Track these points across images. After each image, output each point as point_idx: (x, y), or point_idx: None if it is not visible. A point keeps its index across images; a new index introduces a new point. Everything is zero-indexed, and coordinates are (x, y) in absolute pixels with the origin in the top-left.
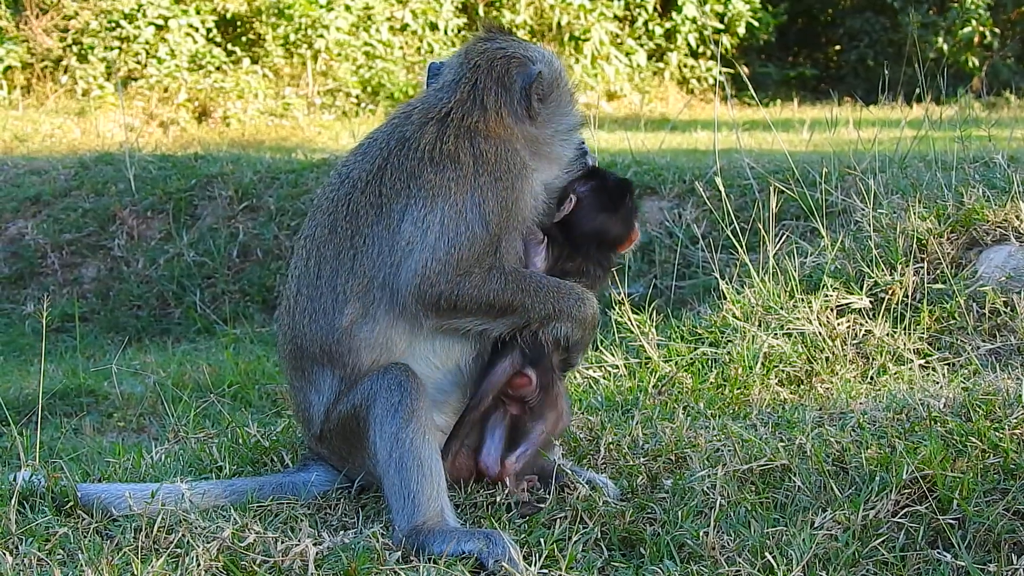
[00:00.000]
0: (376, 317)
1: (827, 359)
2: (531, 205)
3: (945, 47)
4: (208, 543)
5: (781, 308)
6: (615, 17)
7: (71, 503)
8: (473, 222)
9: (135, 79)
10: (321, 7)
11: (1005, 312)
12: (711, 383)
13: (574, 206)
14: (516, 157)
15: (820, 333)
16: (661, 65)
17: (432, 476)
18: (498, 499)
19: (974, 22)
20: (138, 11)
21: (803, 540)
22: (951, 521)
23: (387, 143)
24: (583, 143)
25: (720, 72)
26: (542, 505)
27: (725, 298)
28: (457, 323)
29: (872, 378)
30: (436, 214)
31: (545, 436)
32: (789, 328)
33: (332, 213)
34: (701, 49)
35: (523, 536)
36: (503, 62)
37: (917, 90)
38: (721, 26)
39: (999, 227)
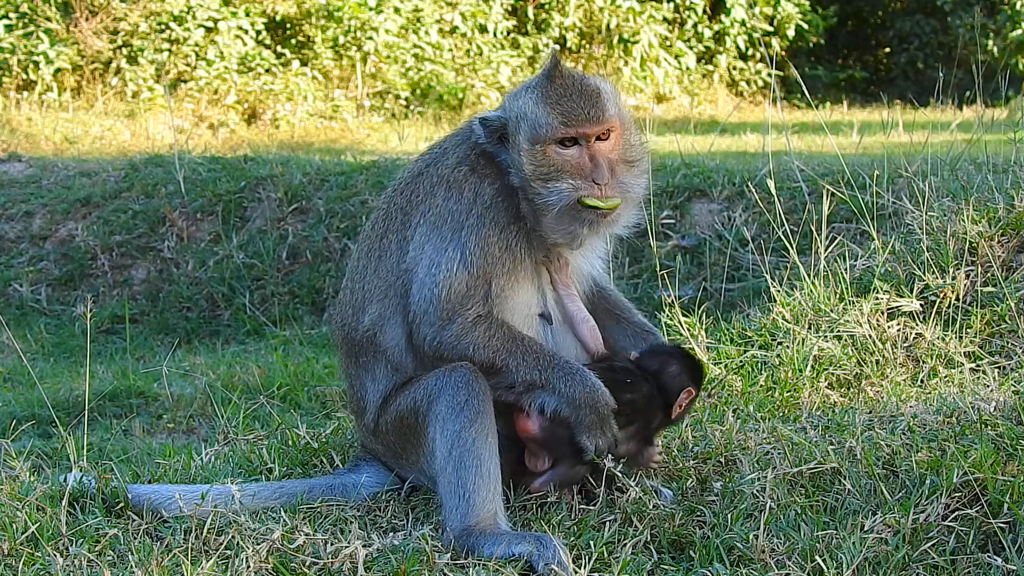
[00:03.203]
0: (394, 323)
1: (877, 362)
2: (525, 256)
3: (995, 50)
4: (258, 545)
5: (831, 311)
6: (664, 20)
7: (121, 504)
8: (454, 261)
9: (184, 81)
10: (370, 9)
11: None
12: (761, 386)
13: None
14: (510, 206)
15: (870, 336)
16: (710, 67)
17: (490, 478)
18: (549, 501)
19: None
20: (187, 13)
21: (853, 543)
22: (1002, 525)
23: (435, 151)
24: (565, 194)
25: (770, 75)
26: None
27: (775, 301)
28: None
29: (922, 381)
30: (430, 246)
31: (563, 477)
32: (839, 331)
33: (378, 210)
34: (750, 51)
35: (573, 539)
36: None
37: (968, 93)
38: (770, 28)
39: None
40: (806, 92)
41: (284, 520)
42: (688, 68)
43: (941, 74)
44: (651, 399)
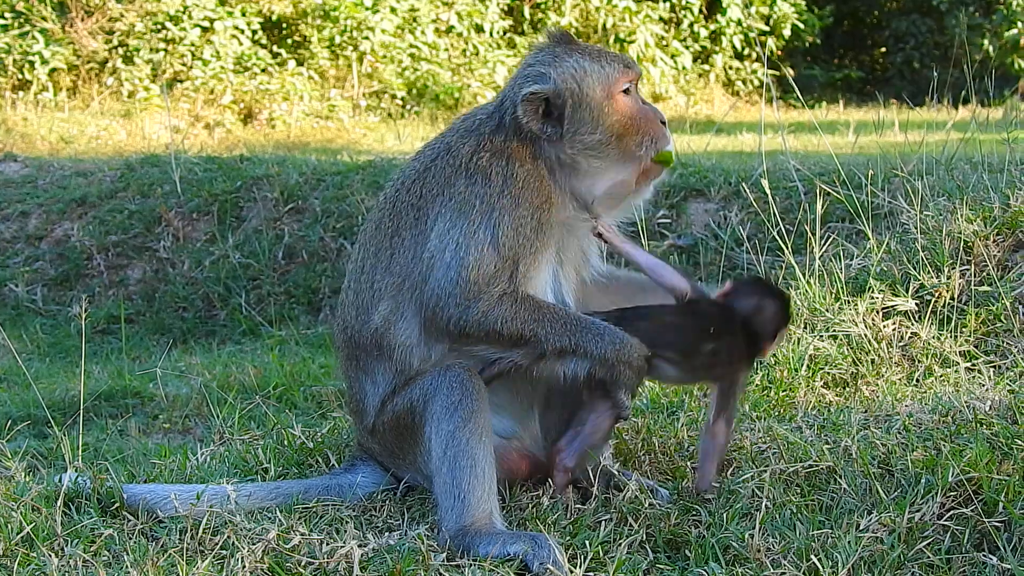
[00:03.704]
0: (407, 317)
1: (873, 361)
2: (560, 230)
3: (991, 49)
4: (253, 545)
5: (827, 310)
6: (660, 19)
7: (117, 504)
8: (483, 242)
9: (180, 81)
10: (367, 9)
11: None
12: (757, 385)
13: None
14: (542, 187)
15: (866, 335)
16: (706, 67)
17: (484, 478)
18: (544, 501)
19: (1020, 24)
20: (183, 13)
21: (849, 542)
22: (997, 524)
23: (436, 147)
24: (650, 147)
25: (765, 74)
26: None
27: None
28: (471, 349)
29: (918, 380)
30: (457, 231)
31: (588, 440)
32: (835, 330)
33: (381, 210)
34: (746, 51)
35: (568, 538)
36: (521, 80)
37: (964, 92)
38: (766, 28)
39: None
40: (798, 93)
41: (280, 520)
42: (684, 68)
43: (935, 73)
44: (733, 349)
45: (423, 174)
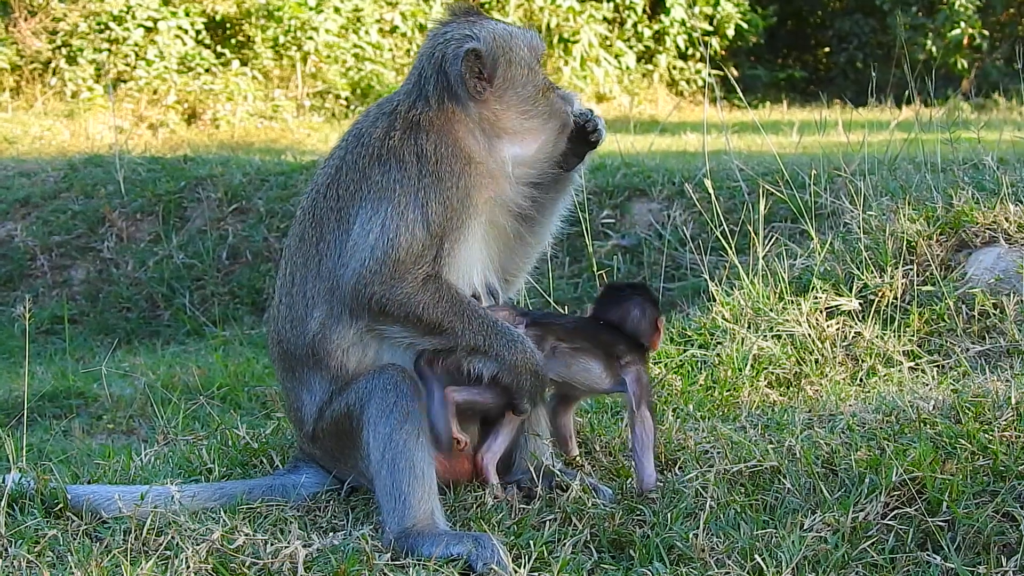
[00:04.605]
0: (342, 319)
1: (816, 361)
2: (488, 195)
3: (934, 49)
4: (197, 545)
5: (770, 310)
6: (604, 19)
7: (60, 505)
8: (414, 223)
9: (124, 81)
10: (311, 9)
11: (994, 314)
12: (701, 385)
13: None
14: (458, 152)
15: (809, 335)
16: (650, 67)
17: (424, 479)
18: (488, 502)
19: (963, 24)
20: (127, 13)
21: (792, 542)
22: (940, 523)
23: (346, 140)
24: (570, 108)
25: (709, 74)
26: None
27: (714, 300)
28: (385, 329)
29: (861, 380)
30: (380, 216)
31: (512, 422)
32: (778, 330)
33: (302, 221)
34: (690, 51)
35: (512, 538)
36: (442, 46)
37: (906, 92)
38: (710, 28)
39: (988, 229)
40: (741, 93)
41: (224, 520)
42: (628, 68)
43: (875, 74)
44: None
45: (336, 175)
